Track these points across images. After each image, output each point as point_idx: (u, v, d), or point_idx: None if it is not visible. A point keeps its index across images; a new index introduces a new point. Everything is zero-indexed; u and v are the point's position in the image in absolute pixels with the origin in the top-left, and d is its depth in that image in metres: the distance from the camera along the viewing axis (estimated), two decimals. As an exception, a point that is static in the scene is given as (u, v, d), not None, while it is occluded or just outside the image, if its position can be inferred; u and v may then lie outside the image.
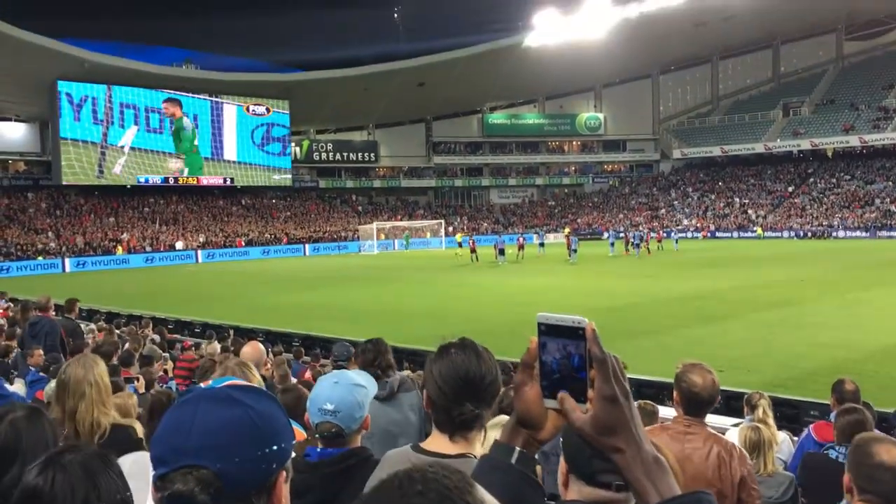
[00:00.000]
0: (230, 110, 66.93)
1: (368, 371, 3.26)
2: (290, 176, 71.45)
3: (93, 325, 14.84)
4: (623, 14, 68.52)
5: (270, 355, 7.48)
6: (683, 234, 66.33)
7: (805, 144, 72.16)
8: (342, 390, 2.64)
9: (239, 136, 67.16)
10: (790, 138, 73.73)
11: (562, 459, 1.49)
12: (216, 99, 65.64)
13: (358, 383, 2.71)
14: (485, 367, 2.07)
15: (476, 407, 2.05)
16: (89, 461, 1.35)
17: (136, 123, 61.19)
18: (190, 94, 63.88)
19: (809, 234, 59.77)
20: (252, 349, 5.56)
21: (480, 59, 71.45)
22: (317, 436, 2.67)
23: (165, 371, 10.06)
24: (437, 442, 2.09)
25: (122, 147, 60.74)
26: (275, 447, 1.32)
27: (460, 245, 48.67)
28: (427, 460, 2.00)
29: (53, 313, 9.72)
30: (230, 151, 67.06)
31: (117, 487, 1.35)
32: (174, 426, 1.32)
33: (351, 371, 2.97)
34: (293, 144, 72.81)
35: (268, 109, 68.77)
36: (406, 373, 6.09)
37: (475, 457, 2.02)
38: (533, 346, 1.26)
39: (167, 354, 11.50)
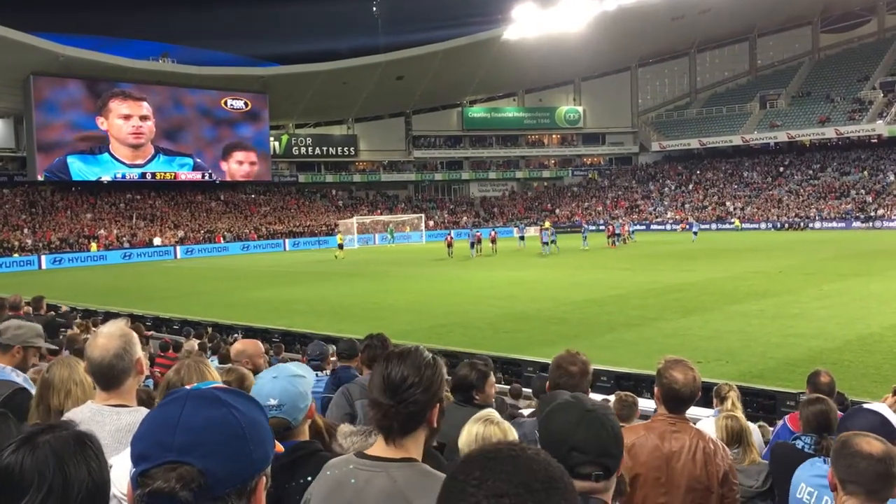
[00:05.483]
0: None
1: None
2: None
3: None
4: (601, 7, 68.82)
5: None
6: (662, 227, 66.87)
7: (782, 136, 72.77)
8: (283, 383, 2.65)
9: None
10: (767, 130, 74.34)
11: None
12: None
13: (297, 374, 2.73)
14: (409, 371, 2.01)
15: (393, 406, 1.98)
16: (62, 444, 1.33)
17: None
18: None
19: (786, 226, 60.30)
20: (253, 346, 5.44)
21: (460, 52, 71.38)
22: None
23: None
24: (379, 446, 2.06)
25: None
26: (257, 451, 1.34)
27: (340, 247, 47.87)
28: (368, 464, 2.01)
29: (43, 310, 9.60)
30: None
31: (89, 470, 1.33)
32: (160, 423, 1.33)
33: (288, 364, 2.97)
34: (272, 139, 72.38)
35: (246, 104, 68.24)
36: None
37: (418, 461, 2.02)
38: None
39: (143, 353, 11.38)
